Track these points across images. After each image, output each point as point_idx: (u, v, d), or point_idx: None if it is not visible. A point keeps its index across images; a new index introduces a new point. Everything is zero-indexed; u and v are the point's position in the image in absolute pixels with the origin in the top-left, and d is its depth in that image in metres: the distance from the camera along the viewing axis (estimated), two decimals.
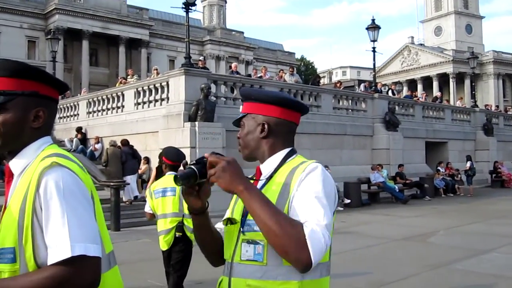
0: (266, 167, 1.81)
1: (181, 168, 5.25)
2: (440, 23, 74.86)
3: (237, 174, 1.61)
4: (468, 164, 20.91)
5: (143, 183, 14.76)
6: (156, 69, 20.24)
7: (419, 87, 62.70)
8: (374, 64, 22.46)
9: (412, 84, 65.56)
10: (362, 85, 24.47)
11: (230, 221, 1.76)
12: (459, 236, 10.51)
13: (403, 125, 20.76)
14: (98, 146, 17.68)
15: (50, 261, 1.43)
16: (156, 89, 16.20)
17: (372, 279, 6.87)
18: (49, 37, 25.80)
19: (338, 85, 23.01)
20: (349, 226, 11.83)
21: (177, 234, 4.92)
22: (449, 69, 64.23)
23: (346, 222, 12.27)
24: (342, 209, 15.04)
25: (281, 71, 22.15)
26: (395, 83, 54.12)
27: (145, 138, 15.98)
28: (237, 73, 19.48)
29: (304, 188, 1.63)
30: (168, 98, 15.33)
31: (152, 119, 15.71)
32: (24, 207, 1.48)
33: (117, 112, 18.39)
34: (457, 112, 26.48)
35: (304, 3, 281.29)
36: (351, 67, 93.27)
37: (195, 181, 1.64)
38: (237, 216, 1.74)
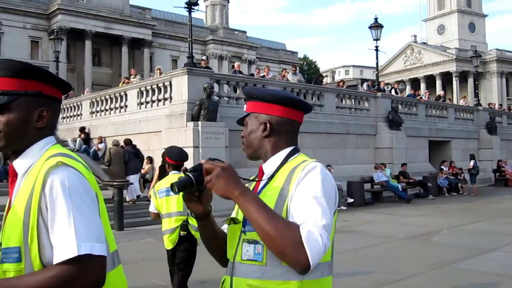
0: (269, 166, 1.81)
1: (182, 174, 5.26)
2: (443, 22, 74.66)
3: (232, 180, 1.61)
4: (472, 163, 20.88)
5: (145, 182, 14.78)
6: (159, 69, 20.25)
7: (422, 86, 62.56)
8: (377, 63, 22.46)
9: (415, 83, 65.44)
10: (365, 84, 24.42)
11: (233, 220, 1.76)
12: (462, 235, 10.49)
13: (406, 124, 20.72)
14: (101, 146, 17.69)
15: (55, 260, 1.43)
16: (159, 88, 16.21)
17: (375, 278, 6.86)
18: (52, 37, 25.93)
19: (341, 84, 23.00)
20: (352, 225, 11.83)
21: (182, 233, 4.94)
22: (452, 67, 64.07)
23: (349, 221, 12.27)
24: (345, 208, 15.05)
25: (284, 71, 22.13)
26: (398, 82, 53.94)
27: (148, 138, 16.00)
28: (240, 72, 19.48)
29: (303, 188, 1.62)
30: (171, 98, 15.35)
31: (155, 118, 15.73)
32: (30, 207, 1.49)
33: (120, 112, 18.41)
34: (460, 111, 26.43)
35: (306, 3, 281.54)
36: (354, 66, 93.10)
37: (192, 188, 1.65)
38: (240, 215, 1.74)
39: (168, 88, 15.62)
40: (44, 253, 1.48)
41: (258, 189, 1.79)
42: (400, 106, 21.24)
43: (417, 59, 68.42)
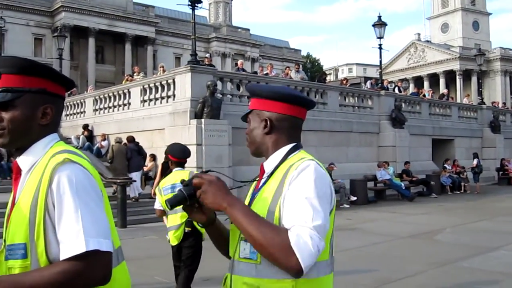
0: (269, 163, 1.80)
1: (185, 170, 5.29)
2: (447, 20, 74.47)
3: (218, 193, 1.62)
4: (475, 161, 20.83)
5: (146, 180, 14.78)
6: (162, 66, 20.26)
7: (426, 84, 62.38)
8: (380, 61, 22.39)
9: (418, 81, 65.26)
10: (368, 82, 24.38)
11: None
12: (465, 234, 10.47)
13: (410, 122, 20.69)
14: (104, 143, 17.72)
15: (62, 256, 1.44)
16: (162, 86, 16.22)
17: (378, 276, 6.86)
18: (55, 34, 25.84)
19: (344, 82, 22.97)
20: (355, 223, 11.83)
21: (187, 229, 4.97)
22: (455, 66, 63.93)
23: (352, 219, 12.27)
24: (348, 206, 15.05)
25: (287, 68, 22.09)
26: (402, 80, 53.71)
27: (152, 136, 16.02)
28: (243, 70, 19.47)
29: (294, 188, 1.61)
30: (174, 95, 15.35)
31: (158, 116, 15.74)
32: (36, 203, 1.49)
33: (123, 109, 18.44)
34: (464, 109, 26.36)
35: (310, 0, 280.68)
36: (357, 64, 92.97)
37: (186, 202, 1.68)
38: None
39: (172, 86, 15.63)
40: (51, 249, 1.49)
41: (258, 188, 1.79)
42: (403, 105, 21.21)
43: (421, 57, 68.30)
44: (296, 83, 17.86)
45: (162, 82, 16.23)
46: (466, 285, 6.51)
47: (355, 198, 15.76)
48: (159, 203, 5.18)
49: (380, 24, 21.31)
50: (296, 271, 1.49)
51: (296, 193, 1.59)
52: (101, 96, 20.15)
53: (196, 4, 15.46)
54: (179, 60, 49.17)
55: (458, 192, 20.02)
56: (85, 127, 19.23)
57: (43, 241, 1.48)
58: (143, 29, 47.20)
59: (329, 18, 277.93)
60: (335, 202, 1.71)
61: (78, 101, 22.17)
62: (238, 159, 13.99)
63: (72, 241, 1.43)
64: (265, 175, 1.79)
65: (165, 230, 5.30)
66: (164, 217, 5.32)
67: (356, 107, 19.81)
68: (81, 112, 21.77)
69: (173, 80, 15.42)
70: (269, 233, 1.52)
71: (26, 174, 1.59)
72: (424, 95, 25.66)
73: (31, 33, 42.89)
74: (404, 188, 17.59)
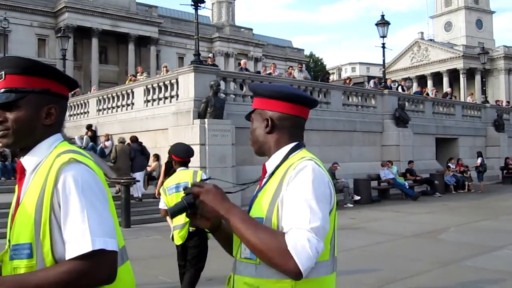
0: (271, 163, 1.80)
1: (189, 170, 5.29)
2: (450, 19, 74.31)
3: (215, 202, 1.64)
4: (479, 160, 20.77)
5: (149, 180, 14.80)
6: (166, 67, 20.29)
7: (429, 83, 62.29)
8: (383, 60, 22.37)
9: (422, 80, 65.17)
10: (371, 81, 24.32)
11: None
12: (469, 233, 10.45)
13: (413, 121, 20.65)
14: (108, 143, 17.76)
15: (68, 256, 1.45)
16: (166, 86, 16.24)
17: (382, 276, 6.85)
18: (59, 35, 25.93)
19: (347, 81, 22.92)
20: (358, 222, 11.82)
21: (191, 228, 4.96)
22: (459, 64, 63.76)
23: (355, 219, 12.26)
24: (351, 205, 15.05)
25: (290, 68, 22.10)
26: (405, 79, 53.44)
27: (155, 136, 16.04)
28: (246, 70, 19.46)
29: (292, 189, 1.61)
30: (177, 95, 15.37)
31: (161, 116, 15.76)
32: (41, 203, 1.50)
33: (126, 109, 18.47)
34: (468, 108, 26.30)
35: (313, 0, 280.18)
36: (360, 63, 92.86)
37: (187, 211, 1.69)
38: None
39: (175, 86, 15.65)
40: (56, 249, 1.49)
41: (260, 188, 1.79)
42: (407, 104, 21.19)
43: (424, 56, 68.14)
44: (299, 83, 17.86)
45: (166, 82, 16.25)
46: (470, 284, 6.50)
47: (358, 198, 15.75)
48: (163, 203, 5.18)
49: (383, 23, 21.26)
50: (295, 274, 1.49)
51: (293, 195, 1.59)
52: (105, 96, 20.19)
53: (199, 4, 15.47)
54: (182, 60, 49.21)
55: (462, 191, 19.96)
56: (89, 127, 19.27)
57: (49, 240, 1.49)
58: (146, 29, 47.25)
59: (332, 18, 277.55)
60: (335, 201, 1.70)
61: (82, 102, 22.22)
62: (242, 159, 13.98)
63: (78, 240, 1.44)
64: (267, 175, 1.79)
65: (169, 230, 5.30)
66: (168, 217, 5.32)
67: (360, 106, 19.78)
68: (85, 113, 21.82)
69: (177, 80, 15.44)
70: (266, 238, 1.53)
71: (31, 174, 1.59)
72: (427, 94, 25.62)
73: (35, 33, 42.98)
74: (407, 187, 17.56)
